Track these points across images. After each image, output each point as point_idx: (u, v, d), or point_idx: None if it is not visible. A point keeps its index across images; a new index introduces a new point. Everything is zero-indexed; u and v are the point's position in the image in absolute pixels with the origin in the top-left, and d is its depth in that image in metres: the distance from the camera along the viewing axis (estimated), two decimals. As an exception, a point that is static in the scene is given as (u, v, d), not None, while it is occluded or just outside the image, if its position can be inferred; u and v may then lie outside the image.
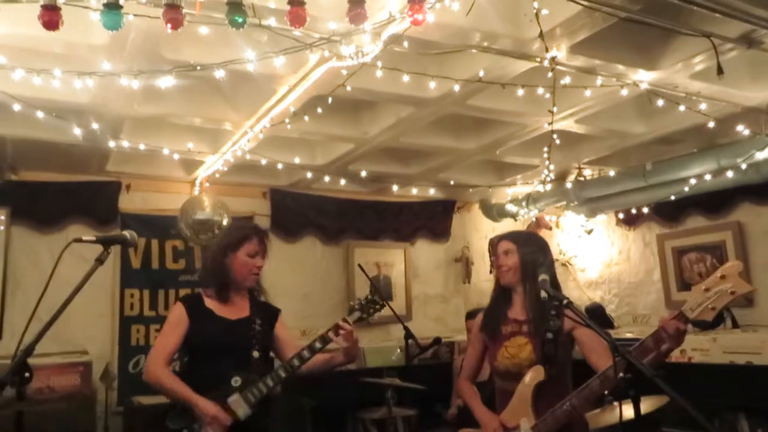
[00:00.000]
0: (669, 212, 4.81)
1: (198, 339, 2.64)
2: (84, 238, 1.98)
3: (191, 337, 2.63)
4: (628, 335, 4.28)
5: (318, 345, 2.61)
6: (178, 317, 2.66)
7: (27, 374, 1.65)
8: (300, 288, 5.02)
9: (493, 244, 2.71)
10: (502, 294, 2.52)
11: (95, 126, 3.23)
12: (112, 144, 3.51)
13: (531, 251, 2.44)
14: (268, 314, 2.84)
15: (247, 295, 2.80)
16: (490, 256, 5.57)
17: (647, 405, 2.80)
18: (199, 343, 2.64)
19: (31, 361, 1.75)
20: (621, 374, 1.74)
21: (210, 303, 2.71)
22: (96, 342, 4.19)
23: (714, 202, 4.48)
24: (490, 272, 5.59)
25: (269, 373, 2.64)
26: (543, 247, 2.50)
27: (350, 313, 2.76)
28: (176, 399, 2.57)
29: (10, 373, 1.61)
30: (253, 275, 2.73)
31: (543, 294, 2.09)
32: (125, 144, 3.54)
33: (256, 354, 2.71)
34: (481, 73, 2.82)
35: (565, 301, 2.02)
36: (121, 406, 4.07)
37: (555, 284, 2.36)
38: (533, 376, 2.28)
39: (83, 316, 4.18)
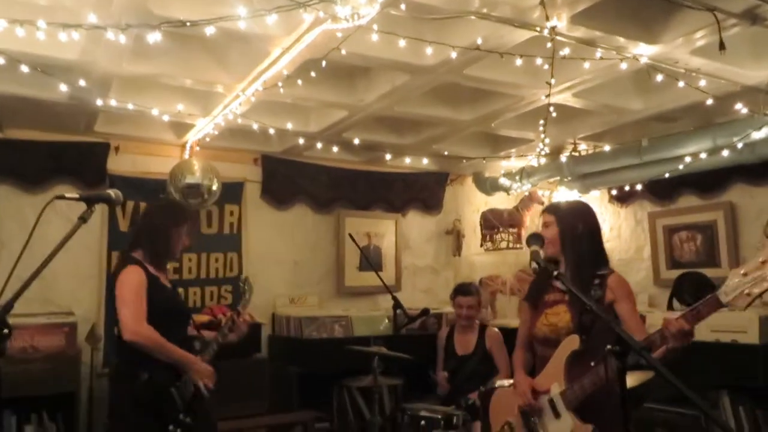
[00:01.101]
0: (662, 190, 4.80)
1: (160, 305, 2.73)
2: (67, 195, 1.93)
3: (152, 303, 2.71)
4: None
5: (232, 326, 2.94)
6: (142, 281, 2.72)
7: (6, 330, 1.61)
8: (290, 256, 5.00)
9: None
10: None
11: (82, 83, 3.16)
12: (99, 102, 3.43)
13: (568, 222, 2.47)
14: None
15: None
16: (481, 230, 5.56)
17: (631, 380, 2.81)
18: (161, 309, 2.72)
19: (15, 320, 1.72)
20: (609, 346, 1.73)
21: (151, 269, 2.80)
22: (82, 304, 4.17)
23: (707, 181, 4.47)
24: (481, 245, 5.59)
25: (209, 342, 2.93)
26: (583, 216, 2.51)
27: (242, 298, 3.09)
28: (166, 356, 2.66)
29: (-13, 330, 1.57)
30: (182, 251, 2.99)
31: (534, 265, 2.10)
32: (113, 103, 3.47)
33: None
34: (480, 41, 2.76)
35: (555, 273, 2.05)
36: (106, 367, 4.06)
37: (596, 253, 2.45)
38: (568, 344, 2.34)
39: (70, 277, 4.15)
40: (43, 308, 3.91)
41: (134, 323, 2.61)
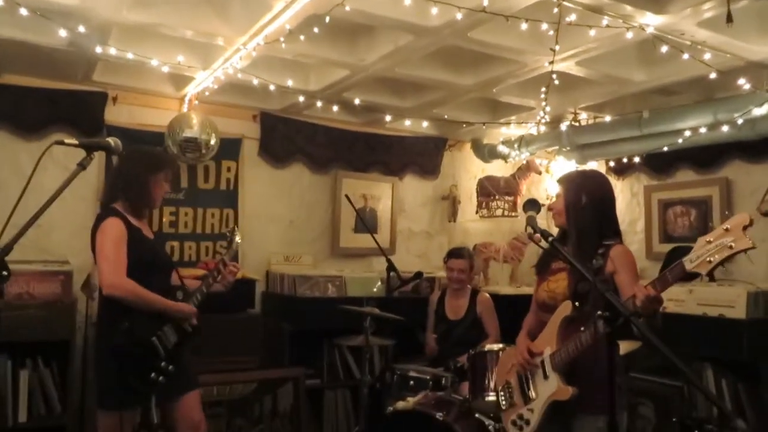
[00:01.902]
0: (659, 164, 4.81)
1: (141, 256, 2.73)
2: (66, 141, 1.93)
3: (133, 255, 2.71)
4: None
5: (216, 275, 2.97)
6: (121, 232, 2.71)
7: (5, 272, 1.63)
8: (286, 214, 5.01)
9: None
10: (561, 234, 2.57)
11: (82, 30, 3.11)
12: (98, 50, 3.39)
13: (573, 192, 2.49)
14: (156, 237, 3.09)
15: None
16: (477, 196, 5.57)
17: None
18: (143, 261, 2.73)
19: (11, 267, 1.73)
20: (599, 312, 1.77)
21: (132, 221, 2.80)
22: (78, 254, 4.17)
23: (705, 156, 4.48)
24: (476, 212, 5.61)
25: (193, 291, 2.93)
26: (589, 186, 2.51)
27: (230, 245, 3.15)
28: (148, 306, 2.68)
29: (-13, 270, 1.59)
30: (161, 199, 2.95)
31: (529, 230, 2.13)
32: (112, 51, 3.42)
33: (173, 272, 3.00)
34: (486, 2, 2.73)
35: (550, 239, 2.07)
36: (101, 317, 4.10)
37: (600, 224, 2.44)
38: (562, 309, 2.41)
39: (66, 227, 4.16)
40: (38, 256, 3.92)
41: (113, 277, 2.62)
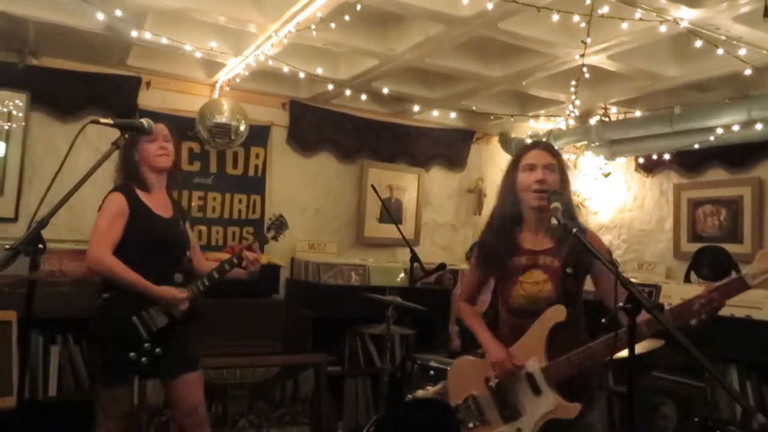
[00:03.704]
0: (689, 162, 4.73)
1: (141, 234, 2.71)
2: (102, 120, 1.98)
3: (134, 231, 2.69)
4: (632, 280, 4.29)
5: (235, 260, 2.84)
6: (120, 207, 2.69)
7: (41, 245, 1.68)
8: (312, 202, 5.05)
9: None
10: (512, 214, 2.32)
11: (118, 14, 3.18)
12: (134, 34, 3.45)
13: (564, 168, 2.32)
14: (184, 215, 3.02)
15: (167, 194, 2.93)
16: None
17: (640, 348, 2.82)
18: (142, 239, 2.70)
19: (46, 244, 1.77)
20: (620, 304, 1.74)
21: (143, 197, 2.78)
22: (108, 234, 4.27)
23: (737, 155, 4.39)
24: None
25: (200, 275, 2.85)
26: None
27: (268, 230, 3.04)
28: (128, 286, 2.64)
29: (24, 242, 1.65)
30: (159, 156, 2.79)
31: (554, 221, 2.01)
32: (148, 36, 3.49)
33: (187, 253, 2.95)
34: (517, -7, 2.72)
35: (574, 230, 1.95)
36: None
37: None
38: (552, 315, 2.16)
39: (97, 208, 4.24)
40: (72, 236, 4.02)
41: (95, 250, 2.63)
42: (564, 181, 2.27)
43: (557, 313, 2.16)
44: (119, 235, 2.68)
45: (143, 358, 2.68)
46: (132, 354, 2.66)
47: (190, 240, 3.01)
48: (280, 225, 3.06)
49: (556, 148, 2.39)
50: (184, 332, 2.83)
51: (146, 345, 2.69)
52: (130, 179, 2.81)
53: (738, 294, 1.83)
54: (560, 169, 2.26)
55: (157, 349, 2.70)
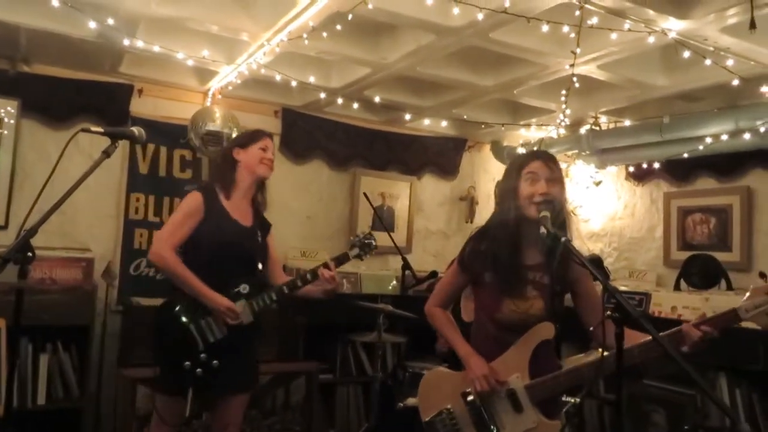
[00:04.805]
0: (679, 171, 4.76)
1: (212, 237, 2.63)
2: (92, 128, 1.98)
3: (205, 234, 2.63)
4: (623, 288, 4.32)
5: (309, 277, 2.70)
6: (195, 207, 2.64)
7: (30, 254, 1.68)
8: (304, 210, 5.06)
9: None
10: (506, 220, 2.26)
11: (111, 22, 3.18)
12: (126, 42, 3.46)
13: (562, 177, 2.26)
14: (265, 227, 2.90)
15: (251, 204, 2.84)
16: (495, 199, 5.56)
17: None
18: (212, 242, 2.63)
19: (35, 252, 1.76)
20: (608, 312, 1.75)
21: (224, 202, 2.71)
22: (100, 242, 4.27)
23: (726, 164, 4.43)
24: (494, 214, 5.60)
25: (269, 288, 2.72)
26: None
27: (351, 248, 2.82)
28: (184, 286, 2.58)
29: (13, 250, 1.64)
30: (263, 164, 2.77)
31: (542, 230, 2.00)
32: (140, 44, 3.50)
33: (260, 265, 2.79)
34: (507, 4, 2.74)
35: (563, 240, 1.94)
36: (120, 305, 4.18)
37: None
38: (539, 332, 2.14)
39: (89, 215, 4.25)
40: (61, 242, 4.01)
41: (159, 243, 2.59)
42: (563, 193, 2.25)
43: (545, 331, 2.13)
44: (187, 234, 2.62)
45: (198, 369, 2.56)
46: (187, 363, 2.56)
47: (269, 253, 2.87)
48: (366, 244, 2.82)
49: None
50: (245, 348, 2.70)
51: (202, 356, 2.57)
52: (218, 179, 2.77)
53: (730, 326, 1.87)
54: (561, 181, 2.22)
55: (214, 362, 2.58)
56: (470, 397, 2.19)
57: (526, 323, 2.16)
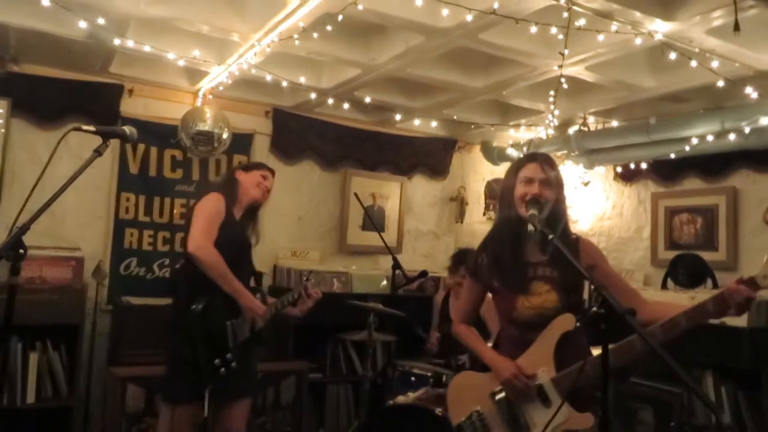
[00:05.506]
0: (666, 171, 4.82)
1: (230, 240, 2.72)
2: (83, 127, 1.98)
3: (227, 236, 2.71)
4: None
5: (294, 298, 2.97)
6: (222, 207, 2.74)
7: (22, 251, 1.69)
8: (295, 210, 5.07)
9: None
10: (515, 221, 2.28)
11: (101, 21, 3.19)
12: (117, 42, 3.46)
13: (560, 177, 2.28)
14: (252, 241, 3.07)
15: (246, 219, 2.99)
16: (485, 199, 5.61)
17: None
18: (233, 245, 2.73)
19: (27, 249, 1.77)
20: (594, 308, 1.76)
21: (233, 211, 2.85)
22: (90, 241, 4.26)
23: (712, 165, 4.49)
24: (483, 214, 5.65)
25: (270, 302, 2.93)
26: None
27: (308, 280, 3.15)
28: (224, 283, 2.64)
29: (5, 248, 1.65)
30: (260, 188, 2.95)
31: (530, 228, 2.03)
32: (130, 44, 3.50)
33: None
34: (496, 5, 2.77)
35: (550, 237, 1.98)
36: (110, 304, 4.18)
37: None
38: (560, 324, 2.12)
39: (79, 215, 4.24)
40: (51, 242, 4.00)
41: (202, 238, 2.62)
42: (560, 193, 2.25)
43: (566, 323, 2.12)
44: (216, 232, 2.69)
45: (222, 369, 2.63)
46: (217, 360, 2.62)
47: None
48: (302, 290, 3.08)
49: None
50: (251, 353, 2.80)
51: (229, 355, 2.64)
52: (221, 191, 2.88)
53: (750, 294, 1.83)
54: (557, 182, 2.23)
55: (233, 363, 2.65)
56: (498, 396, 2.20)
57: (543, 318, 2.16)
